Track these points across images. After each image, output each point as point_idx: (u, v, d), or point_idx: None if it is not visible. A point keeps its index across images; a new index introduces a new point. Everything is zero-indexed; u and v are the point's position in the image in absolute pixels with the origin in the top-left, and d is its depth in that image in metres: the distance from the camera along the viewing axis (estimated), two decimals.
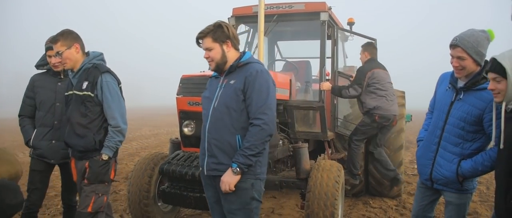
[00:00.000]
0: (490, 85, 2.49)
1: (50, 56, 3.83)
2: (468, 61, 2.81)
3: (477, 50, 2.78)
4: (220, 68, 2.96)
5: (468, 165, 2.89)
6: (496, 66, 2.40)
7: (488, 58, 2.79)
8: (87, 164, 3.38)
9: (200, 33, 2.92)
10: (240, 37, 6.36)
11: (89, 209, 3.36)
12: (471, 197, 3.13)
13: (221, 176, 2.82)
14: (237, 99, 2.84)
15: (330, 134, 5.69)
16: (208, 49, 2.90)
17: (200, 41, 2.95)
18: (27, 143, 3.96)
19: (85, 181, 3.38)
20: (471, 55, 2.79)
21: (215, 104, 2.91)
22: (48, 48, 3.81)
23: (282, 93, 5.06)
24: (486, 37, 2.82)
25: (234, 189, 2.78)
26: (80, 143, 3.39)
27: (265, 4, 4.91)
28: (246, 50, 6.73)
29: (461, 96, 2.94)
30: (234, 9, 6.07)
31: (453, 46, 2.87)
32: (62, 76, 3.99)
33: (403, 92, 6.84)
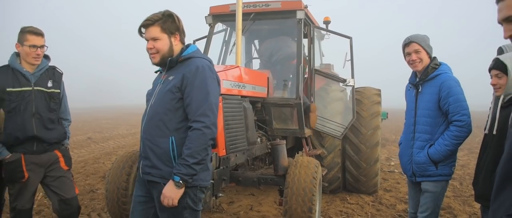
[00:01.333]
0: (493, 80, 2.79)
1: None
2: (423, 53, 3.32)
3: (427, 43, 3.34)
4: (165, 63, 2.70)
5: (431, 149, 3.25)
6: (499, 65, 2.73)
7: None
8: (60, 154, 3.72)
9: (147, 20, 2.63)
10: (217, 36, 6.50)
11: (77, 191, 3.88)
12: (446, 187, 3.37)
13: (155, 181, 2.61)
14: (173, 97, 2.59)
15: (307, 131, 5.76)
16: (153, 39, 2.64)
17: (144, 30, 2.67)
18: None
19: (66, 168, 3.76)
20: (424, 47, 3.32)
21: (152, 102, 2.69)
22: None
23: (259, 91, 5.11)
24: (428, 37, 3.38)
25: (177, 204, 2.52)
26: (54, 135, 3.64)
27: (242, 3, 4.95)
28: (224, 49, 6.81)
29: (420, 90, 3.39)
30: (211, 8, 6.07)
31: (408, 44, 3.38)
32: None
33: (379, 91, 6.95)
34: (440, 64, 3.35)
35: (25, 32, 3.47)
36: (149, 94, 2.81)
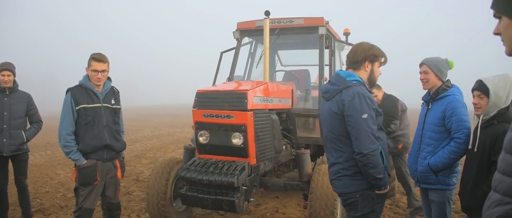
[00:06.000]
0: (475, 100, 3.18)
1: (4, 76, 5.12)
2: (431, 74, 3.69)
3: (438, 67, 3.67)
4: None
5: (432, 159, 3.62)
6: (482, 87, 3.10)
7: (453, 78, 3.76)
8: (119, 164, 4.36)
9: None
10: (243, 48, 6.94)
11: (120, 196, 4.55)
12: (451, 197, 3.72)
13: None
14: None
15: None
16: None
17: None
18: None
19: (121, 177, 4.42)
20: (433, 70, 3.67)
21: None
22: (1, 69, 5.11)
23: (285, 103, 5.54)
24: (445, 60, 3.73)
25: None
26: (120, 145, 4.35)
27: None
28: (249, 61, 7.27)
29: (430, 107, 3.76)
30: (238, 24, 6.49)
31: (420, 65, 3.79)
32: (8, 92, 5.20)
33: None
34: (452, 86, 3.70)
35: (90, 58, 4.12)
36: None
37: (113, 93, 4.37)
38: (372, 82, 3.20)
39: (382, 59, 3.18)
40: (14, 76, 5.25)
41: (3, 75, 5.12)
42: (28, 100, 5.40)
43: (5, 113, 5.15)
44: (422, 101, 3.96)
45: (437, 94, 3.67)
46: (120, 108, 4.43)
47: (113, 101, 4.32)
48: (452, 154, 3.49)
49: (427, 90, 3.88)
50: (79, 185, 4.09)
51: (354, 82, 3.00)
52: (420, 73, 3.78)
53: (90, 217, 4.17)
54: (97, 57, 4.13)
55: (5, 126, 5.14)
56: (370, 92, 3.09)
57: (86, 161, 4.03)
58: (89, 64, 4.11)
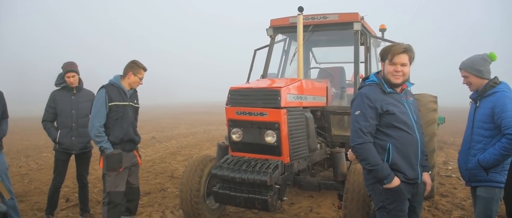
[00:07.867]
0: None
1: (69, 77, 5.33)
2: (471, 77, 3.69)
3: (475, 68, 3.65)
4: None
5: (482, 156, 3.52)
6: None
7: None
8: (137, 153, 4.91)
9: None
10: (277, 45, 6.86)
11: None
12: (499, 195, 3.55)
13: None
14: None
15: None
16: None
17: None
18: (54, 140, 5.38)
19: (141, 163, 5.04)
20: (471, 72, 3.67)
21: None
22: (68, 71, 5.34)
23: (319, 101, 5.44)
24: (482, 57, 3.67)
25: None
26: (139, 139, 4.92)
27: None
28: (283, 58, 7.19)
29: (478, 104, 3.72)
30: (272, 21, 6.41)
31: (460, 70, 3.81)
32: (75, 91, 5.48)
33: (435, 98, 6.96)
34: (501, 82, 3.59)
35: (141, 67, 4.74)
36: None
37: (134, 94, 4.87)
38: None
39: None
40: (78, 75, 5.48)
41: (68, 77, 5.35)
42: (92, 98, 5.43)
43: (73, 111, 5.39)
44: (470, 100, 3.89)
45: (485, 91, 3.62)
46: (139, 107, 4.98)
47: (135, 101, 4.87)
48: (504, 150, 3.36)
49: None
50: (107, 171, 4.55)
51: (367, 83, 3.37)
52: (462, 77, 3.81)
53: (120, 199, 4.65)
54: (145, 67, 4.77)
55: (73, 124, 5.37)
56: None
57: (113, 150, 4.51)
58: (137, 72, 4.71)
